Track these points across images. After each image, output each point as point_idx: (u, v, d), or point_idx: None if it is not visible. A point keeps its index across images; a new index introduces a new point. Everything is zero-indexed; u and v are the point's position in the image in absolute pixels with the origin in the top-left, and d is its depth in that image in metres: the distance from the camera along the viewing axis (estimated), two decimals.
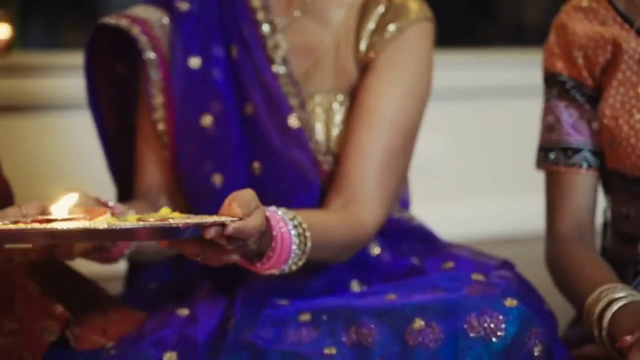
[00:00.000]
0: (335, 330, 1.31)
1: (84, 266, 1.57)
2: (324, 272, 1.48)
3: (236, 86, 1.53)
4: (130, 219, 1.13)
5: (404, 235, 1.56)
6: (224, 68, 1.53)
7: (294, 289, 1.45)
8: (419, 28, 1.52)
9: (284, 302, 1.41)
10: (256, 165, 1.51)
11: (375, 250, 1.52)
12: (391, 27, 1.51)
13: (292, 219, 1.29)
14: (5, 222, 1.11)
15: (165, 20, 1.56)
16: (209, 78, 1.53)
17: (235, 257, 1.19)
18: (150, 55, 1.53)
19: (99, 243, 1.24)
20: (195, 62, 1.54)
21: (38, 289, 1.28)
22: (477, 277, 1.34)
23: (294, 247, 1.28)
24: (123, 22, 1.53)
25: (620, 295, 1.26)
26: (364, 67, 1.51)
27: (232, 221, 1.12)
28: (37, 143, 2.65)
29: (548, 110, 1.49)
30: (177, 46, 1.54)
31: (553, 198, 1.48)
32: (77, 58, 2.77)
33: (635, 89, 1.39)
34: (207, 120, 1.52)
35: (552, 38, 1.48)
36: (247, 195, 1.17)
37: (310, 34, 1.54)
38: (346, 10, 1.54)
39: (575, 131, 1.46)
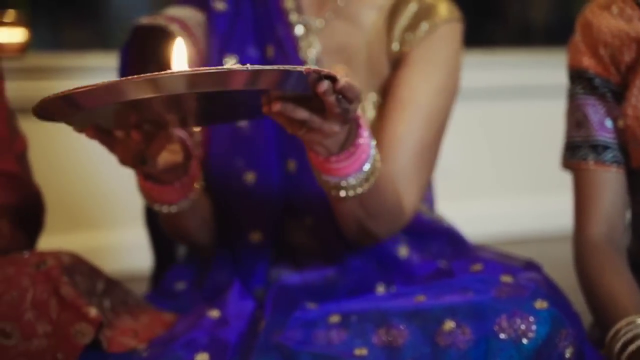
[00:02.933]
0: (366, 331, 1.31)
1: (111, 267, 1.59)
2: (351, 274, 1.49)
3: None
4: None
5: (433, 236, 1.57)
6: None
7: (322, 291, 1.46)
8: (450, 27, 1.54)
9: (311, 305, 1.42)
10: (291, 163, 1.53)
11: (403, 251, 1.53)
12: (424, 25, 1.53)
13: (373, 138, 1.29)
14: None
15: (202, 19, 1.57)
16: None
17: (336, 128, 1.16)
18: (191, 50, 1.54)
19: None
20: (231, 61, 1.55)
21: (72, 292, 1.29)
22: (506, 279, 1.34)
23: (370, 158, 1.27)
24: (161, 21, 1.54)
25: None
26: (396, 62, 1.54)
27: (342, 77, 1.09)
28: (55, 145, 2.67)
29: (574, 107, 1.49)
30: (213, 45, 1.55)
31: (582, 197, 1.46)
32: (85, 60, 2.81)
33: None
34: None
35: (577, 36, 1.48)
36: (339, 67, 1.16)
37: (343, 35, 1.56)
38: (377, 12, 1.56)
39: (603, 128, 1.45)
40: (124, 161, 1.25)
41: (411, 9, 1.55)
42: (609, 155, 1.45)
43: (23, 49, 2.67)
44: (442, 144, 1.56)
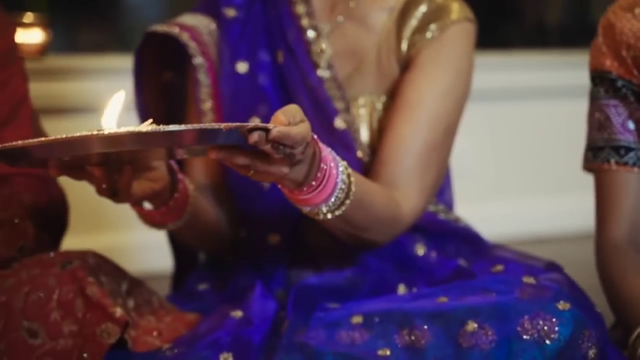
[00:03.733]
0: (388, 332, 1.32)
1: (135, 266, 1.60)
2: (372, 274, 1.50)
3: (282, 90, 1.56)
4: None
5: (449, 237, 1.58)
6: (270, 73, 1.56)
7: (343, 292, 1.47)
8: (460, 28, 1.54)
9: (333, 305, 1.42)
10: None
11: (420, 250, 1.54)
12: (433, 27, 1.53)
13: (341, 162, 1.28)
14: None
15: (213, 26, 1.59)
16: (255, 82, 1.56)
17: (285, 170, 1.16)
18: (199, 60, 1.56)
19: (147, 149, 1.15)
20: (242, 67, 1.56)
21: (97, 292, 1.30)
22: (528, 280, 1.34)
23: (338, 185, 1.27)
24: (172, 29, 1.56)
25: None
26: (405, 64, 1.54)
27: (275, 127, 1.10)
28: None
29: (596, 108, 1.48)
30: (224, 52, 1.57)
31: (604, 199, 1.47)
32: (102, 62, 2.82)
33: None
34: (255, 122, 1.53)
35: (599, 37, 1.48)
36: (292, 107, 1.15)
37: (354, 38, 1.57)
38: (387, 13, 1.56)
39: (625, 130, 1.46)
40: (97, 192, 1.26)
41: (421, 9, 1.55)
42: (631, 156, 1.45)
43: (41, 50, 2.69)
44: (452, 145, 1.56)
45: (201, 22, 1.59)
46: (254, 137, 1.08)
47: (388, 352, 1.30)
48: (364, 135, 1.54)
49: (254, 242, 1.57)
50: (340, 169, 1.28)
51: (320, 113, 1.53)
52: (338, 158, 1.28)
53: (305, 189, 1.24)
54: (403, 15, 1.55)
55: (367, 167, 1.52)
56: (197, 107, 1.57)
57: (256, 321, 1.39)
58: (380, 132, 1.53)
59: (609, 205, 1.46)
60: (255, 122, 1.54)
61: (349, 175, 1.29)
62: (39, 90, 2.56)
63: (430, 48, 1.52)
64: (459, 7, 1.55)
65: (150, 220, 1.40)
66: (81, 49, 3.47)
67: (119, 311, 1.29)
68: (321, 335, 1.34)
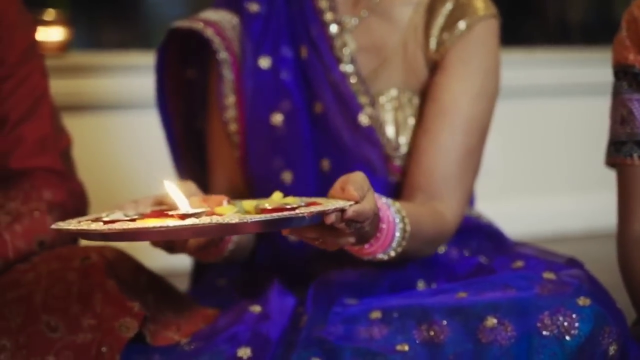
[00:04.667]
0: (407, 327, 1.31)
1: (154, 262, 1.60)
2: (391, 270, 1.49)
3: (305, 85, 1.55)
4: (247, 206, 1.19)
5: (472, 233, 1.57)
6: (293, 68, 1.56)
7: (362, 288, 1.46)
8: (487, 25, 1.53)
9: (352, 301, 1.42)
10: (325, 162, 1.54)
11: (441, 247, 1.53)
12: (461, 24, 1.52)
13: (393, 204, 1.32)
14: (126, 216, 1.15)
15: (235, 21, 1.59)
16: (278, 78, 1.56)
17: (352, 240, 1.21)
18: (223, 55, 1.56)
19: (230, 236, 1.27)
20: (265, 62, 1.56)
21: (116, 287, 1.30)
22: (548, 275, 1.33)
23: (397, 232, 1.32)
24: (196, 25, 1.56)
25: None
26: (434, 64, 1.53)
27: (350, 205, 1.14)
28: (94, 142, 2.69)
29: (619, 103, 1.47)
30: (247, 47, 1.57)
31: (626, 193, 1.45)
32: (124, 59, 2.83)
33: None
34: (277, 118, 1.54)
35: (623, 32, 1.47)
36: (359, 178, 1.17)
37: (378, 33, 1.56)
38: (413, 8, 1.55)
39: None
40: (152, 245, 1.29)
41: (448, 6, 1.53)
42: None
43: (63, 47, 2.70)
44: (485, 146, 1.55)
45: (224, 18, 1.59)
46: (331, 218, 1.12)
47: (407, 348, 1.30)
48: (390, 130, 1.53)
49: (274, 238, 1.57)
50: (396, 208, 1.32)
51: (344, 109, 1.53)
52: (389, 201, 1.32)
53: (366, 246, 1.30)
54: (430, 11, 1.54)
55: (393, 162, 1.52)
56: (220, 102, 1.57)
57: (274, 316, 1.39)
58: (412, 134, 1.53)
59: (631, 199, 1.44)
60: (277, 119, 1.54)
61: (403, 218, 1.33)
62: (60, 87, 2.57)
63: (460, 47, 1.51)
64: (484, 4, 1.54)
65: (199, 257, 1.44)
66: (104, 46, 3.48)
67: (137, 306, 1.29)
68: (339, 331, 1.34)
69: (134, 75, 2.68)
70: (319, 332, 1.33)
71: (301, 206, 1.14)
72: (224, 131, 1.58)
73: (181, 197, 1.16)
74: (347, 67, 1.54)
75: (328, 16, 1.56)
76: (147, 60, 2.61)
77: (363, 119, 1.52)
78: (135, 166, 2.73)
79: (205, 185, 1.66)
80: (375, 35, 1.56)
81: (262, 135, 1.55)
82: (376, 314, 1.35)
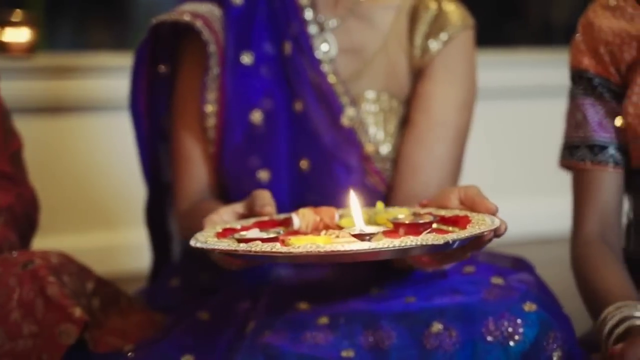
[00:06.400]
0: (353, 333, 1.30)
1: (107, 267, 1.60)
2: (346, 276, 1.48)
3: (286, 83, 1.54)
4: (380, 219, 1.19)
5: None
6: (275, 65, 1.54)
7: (315, 293, 1.45)
8: (467, 35, 1.55)
9: (304, 306, 1.41)
10: (304, 162, 1.53)
11: None
12: (443, 34, 1.53)
13: None
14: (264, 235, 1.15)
15: (219, 14, 1.56)
16: (260, 74, 1.54)
17: (469, 254, 1.19)
18: (213, 48, 1.53)
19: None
20: (247, 58, 1.54)
21: (58, 292, 1.28)
22: (496, 280, 1.32)
23: None
24: (184, 17, 1.53)
25: (636, 314, 1.25)
26: (418, 72, 1.54)
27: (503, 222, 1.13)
28: (61, 144, 2.68)
29: (574, 107, 1.48)
30: (230, 41, 1.54)
31: (579, 197, 1.47)
32: (103, 59, 2.82)
33: None
34: (257, 116, 1.53)
35: (578, 35, 1.47)
36: (476, 189, 1.20)
37: (359, 35, 1.55)
38: (395, 13, 1.55)
39: (602, 128, 1.45)
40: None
41: (430, 14, 1.54)
42: (606, 155, 1.45)
43: (30, 48, 2.67)
44: None
45: (209, 9, 1.56)
46: (489, 236, 1.12)
47: (352, 354, 1.29)
48: (371, 133, 1.53)
49: None
50: None
51: (326, 108, 1.52)
52: None
53: None
54: (413, 17, 1.54)
55: (373, 165, 1.52)
56: (202, 96, 1.54)
57: (222, 323, 1.38)
58: (405, 143, 1.53)
59: (584, 203, 1.46)
60: (256, 117, 1.53)
61: None
62: (27, 88, 2.58)
63: (445, 55, 1.53)
64: (464, 14, 1.56)
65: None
66: (90, 48, 3.48)
67: (78, 311, 1.27)
68: (286, 336, 1.32)
69: (111, 77, 2.66)
70: (266, 337, 1.32)
71: (434, 221, 1.16)
72: (200, 126, 1.56)
73: (359, 213, 1.15)
74: (326, 68, 1.53)
75: (308, 13, 1.55)
76: (118, 61, 2.62)
77: (344, 120, 1.51)
78: (97, 170, 2.72)
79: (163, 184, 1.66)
80: (355, 38, 1.55)
81: (241, 133, 1.53)
82: (324, 320, 1.34)
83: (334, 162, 1.51)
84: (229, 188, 1.55)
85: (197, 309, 1.42)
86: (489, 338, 1.24)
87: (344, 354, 1.28)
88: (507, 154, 3.39)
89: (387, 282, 1.47)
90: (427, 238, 1.05)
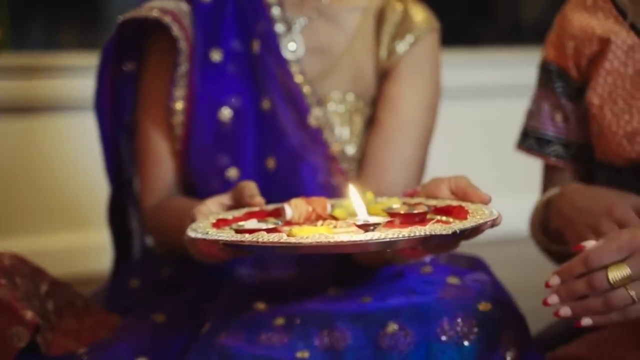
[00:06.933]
0: (309, 334, 1.29)
1: (64, 269, 1.59)
2: (305, 276, 1.48)
3: (254, 81, 1.53)
4: (373, 209, 1.18)
5: None
6: (243, 62, 1.54)
7: (274, 293, 1.44)
8: (433, 37, 1.56)
9: (261, 306, 1.40)
10: (271, 161, 1.52)
11: None
12: (409, 36, 1.53)
13: None
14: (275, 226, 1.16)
15: (187, 9, 1.55)
16: (229, 72, 1.53)
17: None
18: (183, 44, 1.52)
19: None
20: (216, 55, 1.53)
21: (9, 295, 1.27)
22: (452, 280, 1.33)
23: None
24: (154, 13, 1.52)
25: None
26: (384, 73, 1.54)
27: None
28: (28, 144, 2.66)
29: (534, 97, 1.52)
30: (198, 38, 1.53)
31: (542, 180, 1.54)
32: (73, 59, 2.80)
33: (622, 79, 1.40)
34: (225, 114, 1.52)
35: (553, 28, 1.50)
36: (467, 180, 1.21)
37: (325, 35, 1.55)
38: (361, 14, 1.56)
39: (550, 123, 1.49)
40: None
41: (396, 15, 1.55)
42: (550, 149, 1.50)
43: None
44: None
45: (177, 5, 1.55)
46: (486, 226, 1.11)
47: (307, 355, 1.28)
48: (337, 133, 1.53)
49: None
50: None
51: (293, 107, 1.52)
52: None
53: None
54: (379, 19, 1.55)
55: (339, 165, 1.52)
56: (170, 92, 1.53)
57: (178, 325, 1.37)
58: (371, 143, 1.53)
59: (544, 187, 1.54)
60: (225, 114, 1.52)
61: None
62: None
63: (411, 57, 1.53)
64: (429, 17, 1.57)
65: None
66: (53, 47, 3.45)
67: (29, 314, 1.26)
68: (241, 338, 1.31)
69: (73, 77, 2.65)
70: (221, 339, 1.31)
71: (428, 212, 1.16)
72: (167, 123, 1.55)
73: (362, 204, 1.15)
74: (294, 67, 1.53)
75: (275, 11, 1.54)
76: (86, 61, 2.60)
77: (311, 120, 1.51)
78: (60, 172, 2.70)
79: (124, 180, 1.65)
80: (322, 38, 1.55)
81: (209, 130, 1.53)
82: (280, 321, 1.33)
83: (300, 162, 1.51)
84: (197, 185, 1.54)
85: (153, 310, 1.41)
86: (444, 338, 1.23)
87: (299, 355, 1.28)
88: (476, 154, 3.39)
89: (346, 283, 1.47)
90: (435, 228, 1.05)
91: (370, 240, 1.03)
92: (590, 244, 1.07)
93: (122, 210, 1.68)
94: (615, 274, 1.03)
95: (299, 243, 1.04)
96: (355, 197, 1.16)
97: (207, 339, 1.31)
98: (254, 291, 1.44)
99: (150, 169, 1.57)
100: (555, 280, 1.10)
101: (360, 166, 1.53)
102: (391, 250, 1.24)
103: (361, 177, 1.52)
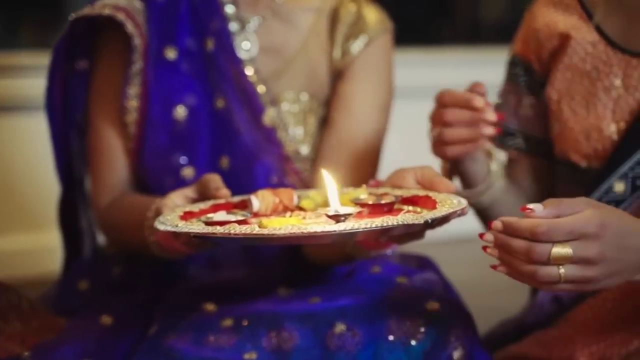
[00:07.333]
0: (257, 335, 1.28)
1: (15, 271, 1.57)
2: (255, 276, 1.47)
3: (209, 79, 1.52)
4: (341, 200, 1.16)
5: None
6: (198, 60, 1.53)
7: (223, 294, 1.43)
8: (386, 38, 1.56)
9: (210, 307, 1.39)
10: (224, 160, 1.51)
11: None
12: (363, 37, 1.53)
13: None
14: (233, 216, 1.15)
15: (140, 7, 1.53)
16: (184, 69, 1.52)
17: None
18: (137, 41, 1.50)
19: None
20: (171, 52, 1.52)
21: None
22: (401, 280, 1.33)
23: None
24: (107, 11, 1.50)
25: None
26: (338, 73, 1.54)
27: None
28: None
29: (501, 90, 1.54)
30: (152, 35, 1.52)
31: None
32: (32, 58, 2.78)
33: (580, 75, 1.41)
34: (180, 112, 1.51)
35: (522, 23, 1.52)
36: (433, 170, 1.23)
37: (279, 35, 1.55)
38: (315, 14, 1.56)
39: (513, 116, 1.50)
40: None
41: (350, 16, 1.55)
42: (511, 141, 1.50)
43: None
44: None
45: (130, 3, 1.53)
46: (454, 216, 1.10)
47: (254, 356, 1.27)
48: (291, 132, 1.52)
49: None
50: None
51: (248, 106, 1.51)
52: None
53: None
54: (333, 19, 1.55)
55: (292, 164, 1.51)
56: (124, 90, 1.52)
57: (125, 327, 1.36)
58: (325, 142, 1.53)
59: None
60: (179, 113, 1.51)
61: None
62: None
63: (364, 58, 1.54)
64: (382, 18, 1.57)
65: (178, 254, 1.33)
66: (13, 46, 3.42)
67: None
68: (188, 339, 1.30)
69: (29, 76, 2.63)
70: (168, 341, 1.30)
71: (396, 202, 1.16)
72: (120, 120, 1.53)
73: (336, 195, 1.14)
74: (248, 66, 1.52)
75: (228, 10, 1.53)
76: (41, 60, 2.57)
77: (265, 119, 1.51)
78: (27, 169, 2.68)
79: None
80: (276, 38, 1.55)
81: (164, 129, 1.51)
82: (228, 322, 1.32)
83: (254, 161, 1.51)
84: (150, 183, 1.53)
85: (101, 312, 1.40)
86: (391, 337, 1.23)
87: (246, 356, 1.26)
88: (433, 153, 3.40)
89: (296, 283, 1.46)
90: (407, 218, 1.05)
91: (344, 230, 1.02)
92: (538, 208, 1.05)
93: (72, 210, 1.67)
94: (559, 251, 1.02)
95: (272, 234, 1.03)
96: (330, 187, 1.15)
97: (154, 341, 1.29)
98: (204, 292, 1.43)
99: (103, 168, 1.56)
100: (490, 236, 1.07)
101: (314, 166, 1.52)
102: (360, 240, 1.23)
103: (315, 177, 1.51)
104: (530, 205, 1.05)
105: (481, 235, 1.06)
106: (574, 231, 1.02)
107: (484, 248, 1.06)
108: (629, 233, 1.05)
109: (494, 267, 1.06)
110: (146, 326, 1.37)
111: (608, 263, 1.04)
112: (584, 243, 1.02)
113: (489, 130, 1.30)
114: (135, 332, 1.36)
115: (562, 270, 1.02)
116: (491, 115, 1.29)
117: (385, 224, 1.03)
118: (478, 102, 1.28)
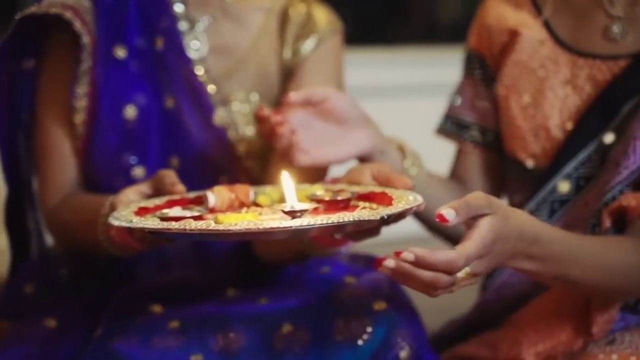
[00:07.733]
0: (204, 337, 1.28)
1: None
2: (204, 277, 1.46)
3: (158, 78, 1.51)
4: (300, 196, 1.16)
5: None
6: (147, 59, 1.51)
7: (171, 295, 1.42)
8: (336, 39, 1.56)
9: (157, 309, 1.37)
10: (174, 160, 1.50)
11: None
12: (313, 37, 1.53)
13: None
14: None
15: (88, 5, 1.51)
16: (133, 68, 1.50)
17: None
18: (86, 39, 1.48)
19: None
20: (120, 51, 1.50)
21: None
22: (349, 280, 1.33)
23: None
24: (54, 9, 1.47)
25: None
26: (288, 73, 1.54)
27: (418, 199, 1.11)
28: None
29: (459, 83, 1.55)
30: (101, 34, 1.50)
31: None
32: None
33: (528, 72, 1.41)
34: (130, 112, 1.49)
35: (476, 17, 1.53)
36: (390, 166, 1.22)
37: (229, 35, 1.54)
38: (264, 14, 1.55)
39: (470, 109, 1.52)
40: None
41: (300, 17, 1.54)
42: (467, 134, 1.52)
43: None
44: None
45: (78, 2, 1.50)
46: (411, 211, 1.09)
47: (201, 358, 1.27)
48: (240, 132, 1.51)
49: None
50: None
51: (198, 106, 1.50)
52: None
53: None
54: (283, 19, 1.55)
55: (243, 164, 1.51)
56: (72, 90, 1.49)
57: (69, 331, 1.34)
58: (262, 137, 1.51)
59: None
60: (129, 112, 1.49)
61: None
62: None
63: (315, 58, 1.53)
64: (333, 18, 1.57)
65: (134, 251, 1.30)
66: None
67: None
68: (134, 342, 1.29)
69: None
70: (114, 343, 1.28)
71: (352, 198, 1.16)
72: (68, 120, 1.51)
73: (293, 192, 1.13)
74: (198, 66, 1.51)
75: (177, 9, 1.52)
76: None
77: (216, 119, 1.49)
78: None
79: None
80: (226, 37, 1.54)
81: (113, 129, 1.49)
82: (175, 324, 1.31)
83: (204, 161, 1.50)
84: (100, 183, 1.51)
85: (46, 315, 1.38)
86: (338, 337, 1.23)
87: (193, 358, 1.26)
88: None
89: (244, 283, 1.46)
90: (363, 214, 1.05)
91: (300, 226, 1.02)
92: (451, 216, 1.03)
93: (19, 211, 1.64)
94: (461, 275, 1.03)
95: (228, 230, 1.02)
96: (287, 184, 1.14)
97: (99, 344, 1.28)
98: (151, 293, 1.42)
99: (51, 168, 1.54)
100: (391, 263, 1.01)
101: (265, 165, 1.52)
102: (316, 237, 1.23)
103: (266, 177, 1.51)
104: (443, 212, 1.02)
105: (379, 262, 1.01)
106: (478, 256, 1.03)
107: (378, 263, 1.01)
108: (510, 233, 1.07)
109: (377, 265, 1.02)
110: (92, 329, 1.35)
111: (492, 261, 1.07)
112: (478, 261, 1.04)
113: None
114: (81, 335, 1.34)
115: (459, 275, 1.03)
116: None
117: (341, 220, 1.03)
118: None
